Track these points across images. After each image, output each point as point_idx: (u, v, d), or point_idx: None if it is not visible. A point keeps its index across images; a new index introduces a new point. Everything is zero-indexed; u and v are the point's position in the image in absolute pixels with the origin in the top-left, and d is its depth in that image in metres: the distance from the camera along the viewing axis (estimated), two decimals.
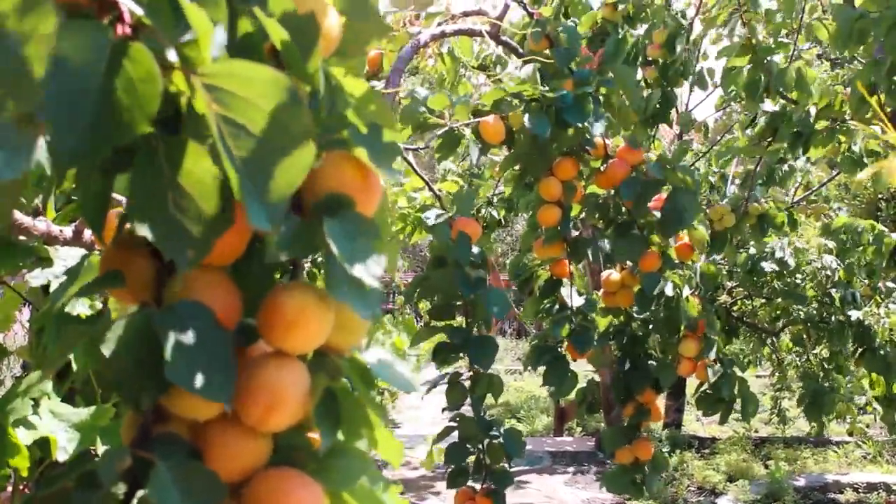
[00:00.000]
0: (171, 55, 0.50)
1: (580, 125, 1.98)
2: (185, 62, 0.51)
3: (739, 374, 2.46)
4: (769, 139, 3.68)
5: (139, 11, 0.49)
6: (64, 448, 1.33)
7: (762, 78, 3.37)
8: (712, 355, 2.41)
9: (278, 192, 0.53)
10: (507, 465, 1.99)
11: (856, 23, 2.51)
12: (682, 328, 2.37)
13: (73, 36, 0.42)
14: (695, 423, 8.18)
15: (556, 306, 2.34)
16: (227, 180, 0.54)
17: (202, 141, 0.54)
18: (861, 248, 4.54)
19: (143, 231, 0.53)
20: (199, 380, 0.53)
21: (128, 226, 0.65)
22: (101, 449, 1.34)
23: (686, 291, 2.34)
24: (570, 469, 6.33)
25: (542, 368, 2.34)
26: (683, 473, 5.93)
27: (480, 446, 1.98)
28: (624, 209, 2.19)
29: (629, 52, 2.87)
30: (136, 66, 0.48)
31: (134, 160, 0.53)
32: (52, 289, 1.36)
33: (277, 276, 0.72)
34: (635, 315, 2.40)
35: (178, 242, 0.54)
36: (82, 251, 1.40)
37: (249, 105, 0.52)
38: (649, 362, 2.40)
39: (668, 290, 2.19)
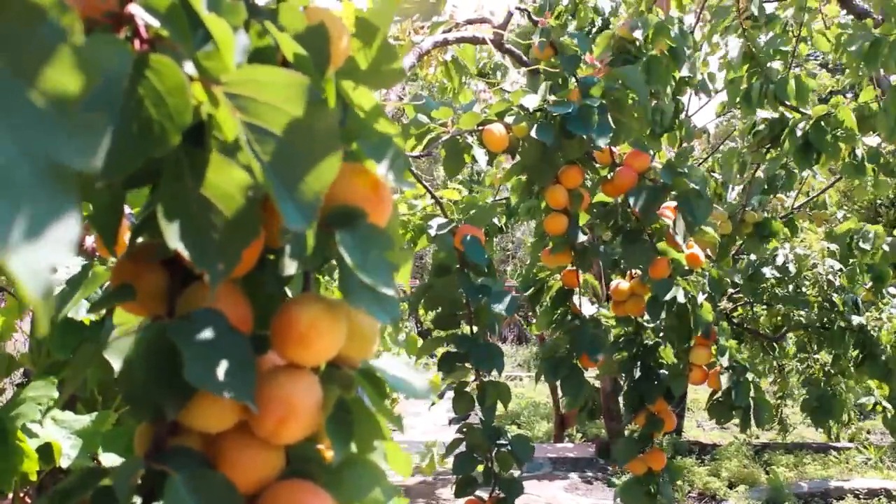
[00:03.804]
0: (189, 67, 0.50)
1: (585, 136, 1.98)
2: (204, 73, 0.51)
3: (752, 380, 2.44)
4: (768, 146, 3.69)
5: (156, 24, 0.49)
6: (67, 454, 1.33)
7: (762, 85, 3.37)
8: (725, 362, 2.40)
9: (311, 191, 0.53)
10: (515, 474, 1.99)
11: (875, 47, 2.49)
12: (694, 336, 2.36)
13: (94, 48, 0.43)
14: (695, 429, 8.18)
15: (569, 316, 2.33)
16: (253, 188, 0.54)
17: (225, 151, 0.54)
18: (869, 252, 4.54)
19: (176, 245, 0.53)
20: (219, 380, 0.53)
21: (139, 239, 0.65)
22: (102, 455, 1.34)
23: (700, 298, 2.33)
24: (571, 475, 6.32)
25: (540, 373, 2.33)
26: (684, 480, 5.92)
27: (488, 455, 1.97)
28: (632, 216, 2.18)
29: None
30: (163, 78, 0.48)
31: (162, 174, 0.53)
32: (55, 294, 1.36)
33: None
34: (645, 324, 2.40)
35: (210, 255, 0.54)
36: (83, 259, 1.40)
37: (271, 109, 0.52)
38: (660, 371, 2.40)
39: (680, 297, 2.18)
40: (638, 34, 2.78)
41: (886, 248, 4.56)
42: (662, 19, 2.86)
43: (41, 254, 0.33)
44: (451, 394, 2.07)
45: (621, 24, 2.89)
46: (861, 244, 4.58)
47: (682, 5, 3.56)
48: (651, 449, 2.37)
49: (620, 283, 2.40)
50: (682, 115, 3.28)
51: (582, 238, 2.19)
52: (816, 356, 5.43)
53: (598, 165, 2.18)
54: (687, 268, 2.21)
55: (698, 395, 9.08)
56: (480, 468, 2.00)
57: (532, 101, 2.00)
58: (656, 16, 2.90)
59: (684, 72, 3.04)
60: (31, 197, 0.34)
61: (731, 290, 5.14)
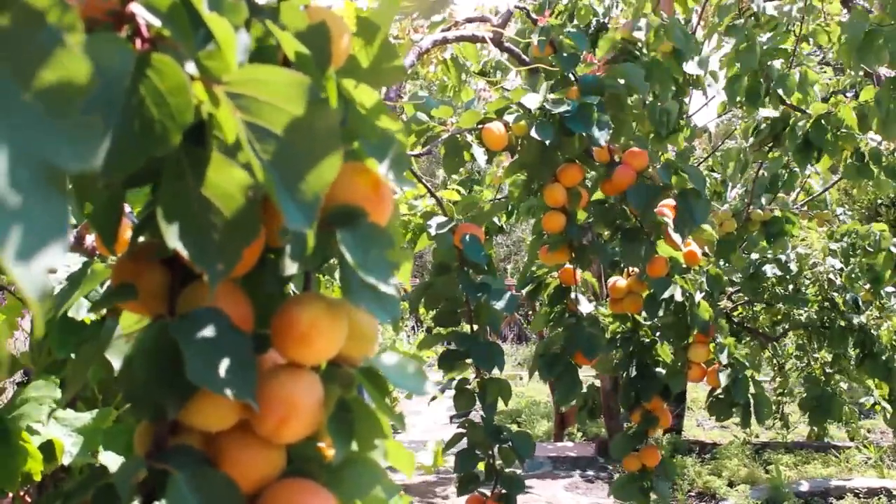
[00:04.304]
0: (190, 67, 0.50)
1: (584, 134, 1.97)
2: (206, 72, 0.51)
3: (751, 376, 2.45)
4: (770, 145, 3.69)
5: (157, 23, 0.49)
6: (69, 452, 1.33)
7: (763, 84, 3.37)
8: (724, 359, 2.40)
9: (311, 190, 0.53)
10: (517, 470, 1.99)
11: (870, 37, 2.49)
12: (692, 333, 2.37)
13: (96, 47, 0.43)
14: (695, 428, 8.18)
15: (566, 313, 2.34)
16: (253, 188, 0.54)
17: (226, 150, 0.54)
18: (872, 252, 4.54)
19: (175, 245, 0.53)
20: (221, 379, 0.53)
21: (140, 238, 0.65)
22: (102, 453, 1.34)
23: (698, 296, 2.33)
24: (571, 474, 6.32)
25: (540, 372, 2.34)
26: (684, 479, 5.92)
27: (490, 452, 1.98)
28: (631, 215, 2.19)
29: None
30: (164, 77, 0.48)
31: (162, 174, 0.53)
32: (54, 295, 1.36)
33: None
34: (643, 322, 2.40)
35: (210, 255, 0.54)
36: (83, 258, 1.40)
37: (272, 108, 0.52)
38: (657, 369, 2.40)
39: (678, 295, 2.19)
40: (639, 34, 2.76)
41: (893, 248, 4.55)
42: (666, 21, 2.85)
43: (39, 257, 0.33)
44: (451, 391, 2.08)
45: (622, 26, 2.88)
46: (867, 247, 4.58)
47: (687, 8, 3.55)
48: (646, 446, 2.38)
49: (618, 281, 2.41)
50: (685, 117, 3.27)
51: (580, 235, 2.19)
52: (816, 356, 5.43)
53: (597, 163, 2.18)
54: (685, 266, 2.21)
55: (698, 394, 9.08)
56: (482, 465, 2.00)
57: (532, 100, 2.01)
58: (658, 17, 2.89)
59: (692, 69, 3.02)
60: (28, 200, 0.34)
61: (730, 290, 5.14)
